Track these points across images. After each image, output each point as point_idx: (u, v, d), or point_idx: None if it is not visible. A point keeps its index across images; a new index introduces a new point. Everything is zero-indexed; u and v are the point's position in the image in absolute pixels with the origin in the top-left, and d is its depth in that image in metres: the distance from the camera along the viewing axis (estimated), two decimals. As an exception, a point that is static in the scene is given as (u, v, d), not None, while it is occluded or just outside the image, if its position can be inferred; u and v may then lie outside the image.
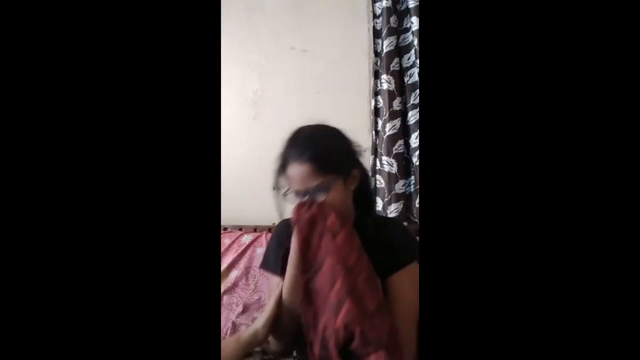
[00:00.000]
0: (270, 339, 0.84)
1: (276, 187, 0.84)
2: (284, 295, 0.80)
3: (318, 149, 0.78)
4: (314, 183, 0.77)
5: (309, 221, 0.76)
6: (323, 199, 0.77)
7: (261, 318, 0.81)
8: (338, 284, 0.70)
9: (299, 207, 0.79)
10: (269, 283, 1.28)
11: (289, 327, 0.81)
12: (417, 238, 0.89)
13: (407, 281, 0.80)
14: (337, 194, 0.79)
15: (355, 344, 0.68)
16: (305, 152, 0.77)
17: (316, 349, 0.73)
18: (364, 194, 0.89)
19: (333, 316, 0.70)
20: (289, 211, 0.84)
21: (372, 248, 0.77)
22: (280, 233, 0.92)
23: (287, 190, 0.83)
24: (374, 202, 0.96)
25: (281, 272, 0.84)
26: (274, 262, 0.89)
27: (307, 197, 0.79)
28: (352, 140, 0.85)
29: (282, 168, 0.81)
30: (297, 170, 0.77)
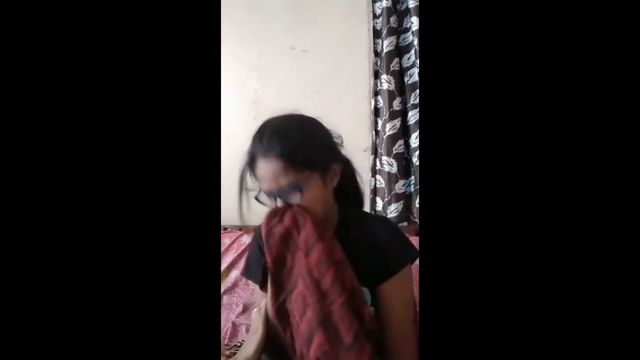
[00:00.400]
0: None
1: (242, 189, 0.73)
2: (269, 311, 0.70)
3: (288, 142, 0.67)
4: (285, 182, 0.66)
5: (281, 237, 0.67)
6: (297, 200, 0.68)
7: (251, 345, 0.69)
8: (309, 313, 0.62)
9: (270, 217, 0.69)
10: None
11: (280, 342, 0.72)
12: (411, 238, 0.81)
13: (399, 287, 0.72)
14: (313, 194, 0.68)
15: None
16: (273, 147, 0.67)
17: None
18: (349, 190, 0.81)
19: (305, 347, 0.63)
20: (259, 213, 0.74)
21: (359, 251, 0.70)
22: (258, 240, 0.81)
23: (258, 192, 0.72)
24: (362, 199, 0.87)
25: (262, 282, 0.76)
26: (255, 272, 0.79)
27: (278, 202, 0.69)
28: (329, 131, 0.76)
29: (250, 166, 0.72)
30: (266, 168, 0.67)
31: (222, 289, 1.32)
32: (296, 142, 0.68)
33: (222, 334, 1.21)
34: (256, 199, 0.73)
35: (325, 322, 0.61)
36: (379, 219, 0.92)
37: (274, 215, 0.69)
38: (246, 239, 1.42)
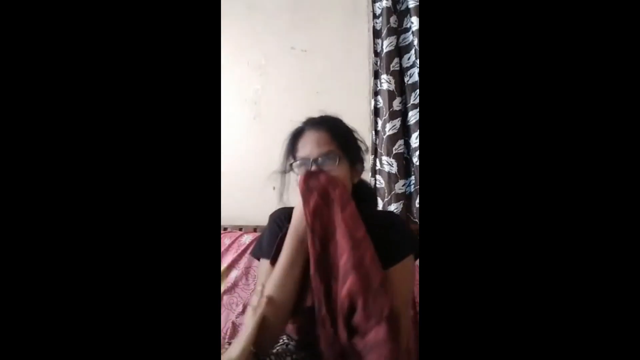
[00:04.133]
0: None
1: (285, 169, 0.85)
2: (276, 282, 0.75)
3: (335, 123, 0.84)
4: (326, 149, 0.79)
5: (318, 191, 0.75)
6: (330, 169, 0.78)
7: (237, 346, 0.69)
8: (345, 257, 0.70)
9: (307, 175, 0.77)
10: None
11: (276, 332, 0.77)
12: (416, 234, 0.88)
13: (403, 273, 0.80)
14: (342, 172, 0.80)
15: (358, 316, 0.68)
16: (324, 123, 0.83)
17: (328, 325, 0.70)
18: (364, 189, 0.91)
19: (340, 287, 0.70)
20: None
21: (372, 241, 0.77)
22: (276, 219, 0.89)
23: (292, 163, 0.83)
24: (375, 198, 0.99)
25: (272, 260, 0.80)
26: (267, 249, 0.84)
27: (314, 167, 0.79)
28: (360, 139, 0.91)
29: (294, 142, 0.83)
30: (313, 135, 0.81)
31: (222, 289, 1.31)
32: (341, 127, 0.86)
33: (222, 334, 1.21)
34: (290, 167, 0.84)
35: (358, 267, 0.69)
36: (388, 213, 1.06)
37: (311, 175, 0.77)
38: (246, 239, 1.41)
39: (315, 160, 0.79)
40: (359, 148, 0.89)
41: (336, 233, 0.72)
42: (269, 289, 0.75)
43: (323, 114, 0.88)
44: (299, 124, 0.87)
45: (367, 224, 0.76)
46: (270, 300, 0.73)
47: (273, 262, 0.79)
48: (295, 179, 0.84)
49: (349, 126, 0.90)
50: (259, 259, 0.88)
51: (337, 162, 0.79)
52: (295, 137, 0.84)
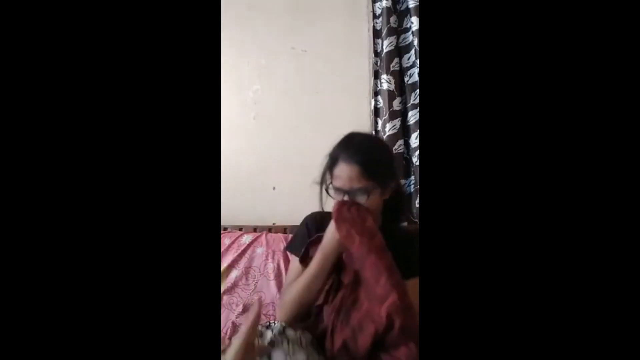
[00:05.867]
0: None
1: (322, 182, 0.94)
2: (306, 281, 0.88)
3: (368, 156, 0.87)
4: (358, 185, 0.85)
5: (350, 222, 0.83)
6: (362, 201, 0.86)
7: (231, 351, 0.67)
8: (384, 279, 0.76)
9: (341, 205, 0.86)
10: (269, 283, 1.29)
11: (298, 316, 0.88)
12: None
13: (417, 289, 0.83)
14: (374, 202, 0.88)
15: (394, 333, 0.73)
16: (356, 156, 0.86)
17: (339, 338, 0.78)
18: (394, 204, 0.98)
19: (377, 306, 0.76)
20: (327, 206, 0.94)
21: (392, 250, 0.83)
22: (309, 222, 1.02)
23: (329, 184, 0.91)
24: (401, 214, 1.09)
25: (302, 257, 0.94)
26: (299, 247, 0.97)
27: (347, 197, 0.87)
28: (393, 155, 1.01)
29: (331, 166, 0.90)
30: (346, 170, 0.86)
31: (222, 289, 1.31)
32: (374, 157, 0.88)
33: (222, 334, 1.21)
34: (326, 190, 0.93)
35: (397, 287, 0.76)
36: (412, 232, 1.11)
37: (344, 205, 0.87)
38: (246, 239, 1.41)
39: (347, 192, 0.87)
40: (392, 169, 0.95)
41: (368, 259, 0.79)
42: (296, 290, 0.89)
43: (358, 140, 0.91)
44: (332, 150, 0.91)
45: (389, 238, 0.85)
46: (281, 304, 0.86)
47: (302, 261, 0.94)
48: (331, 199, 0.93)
49: (384, 146, 0.95)
50: (292, 253, 1.03)
51: (368, 196, 0.86)
52: (332, 163, 0.90)
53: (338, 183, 0.88)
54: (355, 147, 0.89)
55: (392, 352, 0.73)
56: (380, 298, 0.76)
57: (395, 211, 1.00)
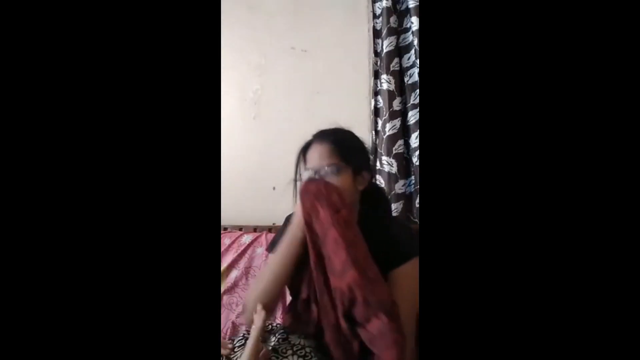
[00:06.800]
0: None
1: (295, 179, 0.94)
2: (273, 262, 0.87)
3: (339, 136, 0.91)
4: (328, 162, 0.87)
5: (314, 194, 0.82)
6: (332, 180, 0.85)
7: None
8: (344, 253, 0.75)
9: (309, 181, 0.87)
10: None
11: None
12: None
13: (407, 275, 0.83)
14: (344, 181, 0.87)
15: (358, 307, 0.71)
16: (328, 136, 0.90)
17: (331, 313, 0.76)
18: (372, 195, 0.97)
19: (337, 281, 0.75)
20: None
21: (374, 244, 0.81)
22: (286, 222, 0.99)
23: (302, 169, 0.92)
24: (382, 204, 1.05)
25: (269, 249, 0.92)
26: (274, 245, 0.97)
27: (317, 175, 0.88)
28: (368, 148, 0.98)
29: (303, 153, 0.92)
30: (317, 149, 0.89)
31: (222, 289, 1.31)
32: (345, 139, 0.92)
33: (222, 334, 1.21)
34: (300, 176, 0.93)
35: (355, 263, 0.74)
36: (394, 218, 1.11)
37: (312, 181, 0.86)
38: (246, 239, 1.41)
39: (317, 171, 0.88)
40: (365, 158, 0.96)
41: (329, 233, 0.78)
42: (262, 273, 0.87)
43: (329, 129, 0.94)
44: (307, 140, 0.94)
45: (372, 226, 0.84)
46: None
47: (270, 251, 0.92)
48: None
49: (355, 136, 0.96)
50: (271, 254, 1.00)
51: (338, 173, 0.86)
52: (305, 149, 0.92)
53: (309, 164, 0.90)
54: (327, 131, 0.93)
55: (366, 327, 0.71)
56: (338, 273, 0.74)
57: (374, 202, 0.99)
